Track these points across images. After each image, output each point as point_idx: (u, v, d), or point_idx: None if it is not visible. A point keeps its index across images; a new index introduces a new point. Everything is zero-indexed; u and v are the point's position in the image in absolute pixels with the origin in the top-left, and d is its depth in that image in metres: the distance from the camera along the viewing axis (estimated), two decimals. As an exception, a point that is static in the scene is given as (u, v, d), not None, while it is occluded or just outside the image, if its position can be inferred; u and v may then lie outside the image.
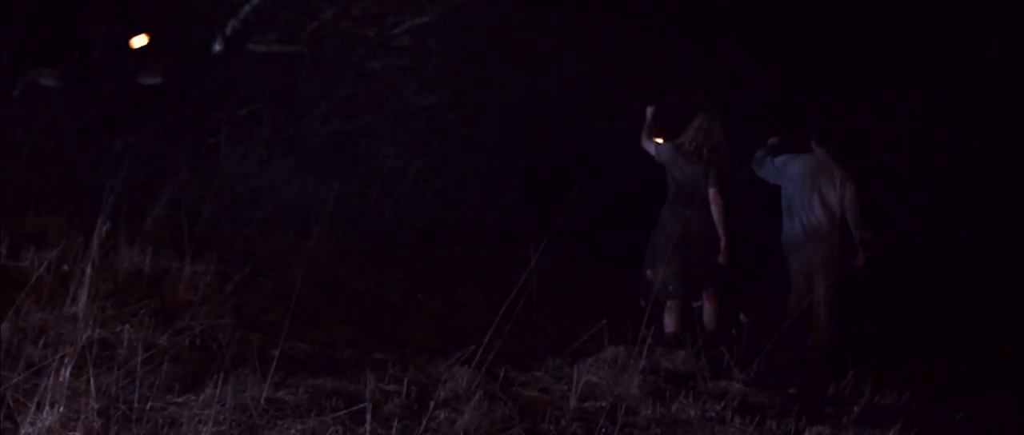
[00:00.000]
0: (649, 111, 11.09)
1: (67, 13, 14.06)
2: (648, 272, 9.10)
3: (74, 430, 6.31)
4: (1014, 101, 15.50)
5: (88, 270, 7.97)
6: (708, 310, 10.65)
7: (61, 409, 6.39)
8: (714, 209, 10.54)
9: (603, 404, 8.15)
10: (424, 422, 7.14)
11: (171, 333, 7.99)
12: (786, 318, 10.74)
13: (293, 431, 6.84)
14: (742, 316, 9.47)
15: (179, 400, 7.01)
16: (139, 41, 10.82)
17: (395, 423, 7.09)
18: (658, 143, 10.88)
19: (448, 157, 14.92)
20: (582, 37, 15.53)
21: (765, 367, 9.47)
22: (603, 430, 7.62)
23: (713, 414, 8.44)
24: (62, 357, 6.65)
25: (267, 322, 8.90)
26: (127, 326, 7.81)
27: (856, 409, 8.85)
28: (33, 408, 6.32)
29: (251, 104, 14.53)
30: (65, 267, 8.57)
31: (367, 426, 6.85)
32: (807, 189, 10.91)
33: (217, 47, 14.67)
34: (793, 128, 11.61)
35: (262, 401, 7.10)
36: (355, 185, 13.96)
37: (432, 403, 7.35)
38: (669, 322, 10.44)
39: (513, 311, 8.17)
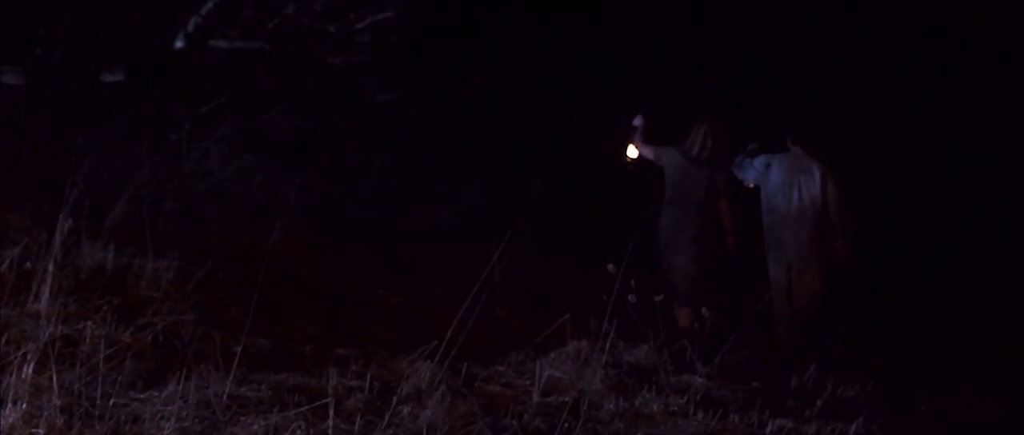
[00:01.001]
0: (639, 121, 11.21)
1: (29, 10, 13.99)
2: (610, 267, 9.10)
3: (37, 427, 6.28)
4: (975, 99, 15.62)
5: (50, 267, 7.94)
6: (685, 312, 10.76)
7: (24, 406, 6.36)
8: (723, 215, 11.01)
9: (566, 398, 8.17)
10: (387, 417, 7.13)
11: (134, 329, 7.95)
12: (776, 316, 10.90)
13: (256, 427, 6.82)
14: (704, 311, 9.52)
15: (142, 396, 6.98)
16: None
17: (358, 418, 7.07)
18: (657, 147, 11.08)
19: (410, 153, 14.92)
20: (545, 33, 15.56)
21: (728, 361, 9.52)
22: (566, 424, 7.62)
23: (676, 408, 8.47)
24: (24, 354, 6.63)
25: (229, 318, 8.87)
26: (90, 322, 7.77)
27: (819, 402, 8.89)
28: (-5, 405, 6.31)
29: (213, 100, 14.46)
30: (27, 264, 8.51)
31: (330, 422, 6.83)
32: (787, 188, 11.03)
33: (179, 44, 14.61)
34: (770, 130, 11.72)
35: (225, 397, 7.08)
36: (317, 181, 13.94)
37: (395, 398, 7.33)
38: (682, 318, 10.69)
39: (476, 306, 8.17)
